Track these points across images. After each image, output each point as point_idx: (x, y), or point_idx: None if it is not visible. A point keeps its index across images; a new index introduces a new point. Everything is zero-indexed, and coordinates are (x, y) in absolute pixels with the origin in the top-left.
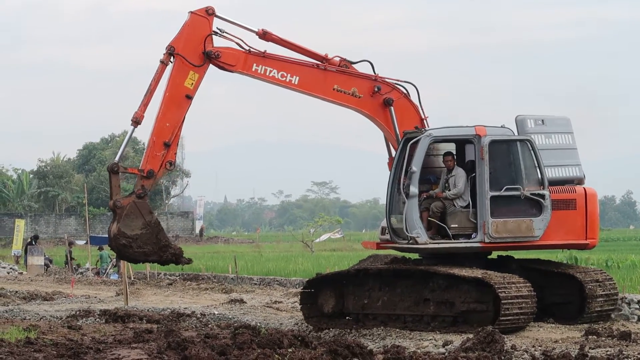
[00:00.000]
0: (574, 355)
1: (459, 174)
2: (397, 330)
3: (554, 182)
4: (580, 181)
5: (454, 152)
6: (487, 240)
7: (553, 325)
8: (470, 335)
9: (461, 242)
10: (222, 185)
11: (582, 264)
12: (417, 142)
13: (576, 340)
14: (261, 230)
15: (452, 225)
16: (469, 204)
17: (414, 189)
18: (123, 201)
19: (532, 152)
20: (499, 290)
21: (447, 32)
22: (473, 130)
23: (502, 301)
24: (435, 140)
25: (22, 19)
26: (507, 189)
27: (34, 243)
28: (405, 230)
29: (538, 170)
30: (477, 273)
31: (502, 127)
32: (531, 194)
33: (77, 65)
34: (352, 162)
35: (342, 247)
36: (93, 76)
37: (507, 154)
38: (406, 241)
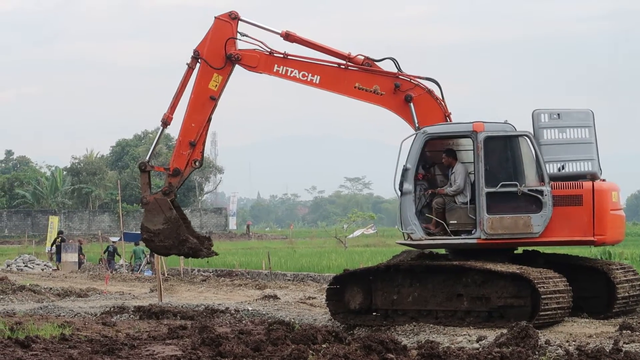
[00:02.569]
0: (608, 350)
1: (459, 170)
2: (431, 325)
3: (563, 178)
4: (593, 176)
5: (454, 150)
6: (483, 236)
7: (587, 320)
8: (504, 331)
9: (457, 239)
10: (255, 181)
11: (616, 259)
12: (413, 139)
13: (610, 335)
14: (294, 226)
15: (452, 222)
16: (470, 200)
17: (407, 186)
18: (149, 198)
19: (531, 147)
20: (538, 285)
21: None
22: (470, 126)
23: (542, 296)
24: (430, 138)
25: (55, 15)
26: (503, 185)
27: (64, 240)
28: (400, 227)
29: (538, 165)
30: (514, 268)
31: (504, 122)
32: (529, 190)
33: (110, 61)
34: (385, 157)
35: (375, 242)
36: (126, 72)
37: (504, 150)
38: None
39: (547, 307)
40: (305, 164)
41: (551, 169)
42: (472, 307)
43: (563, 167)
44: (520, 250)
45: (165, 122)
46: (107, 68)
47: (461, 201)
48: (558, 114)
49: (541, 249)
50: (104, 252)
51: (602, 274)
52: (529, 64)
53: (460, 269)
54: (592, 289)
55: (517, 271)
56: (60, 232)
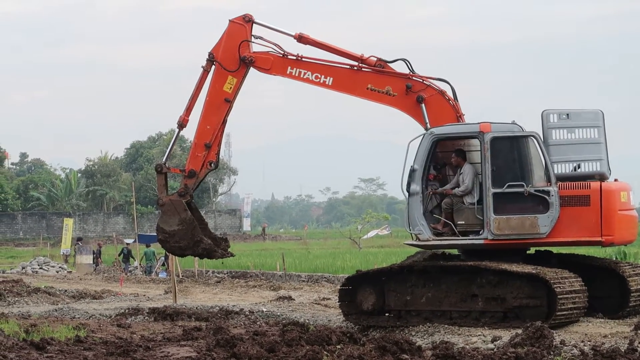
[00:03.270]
0: (623, 350)
1: (466, 170)
2: (445, 326)
3: (571, 178)
4: (602, 176)
5: (464, 150)
6: (490, 237)
7: (602, 320)
8: (519, 331)
9: (465, 239)
10: (269, 182)
11: (631, 259)
12: (420, 140)
13: (625, 335)
14: (308, 227)
15: (460, 222)
16: (478, 200)
17: (415, 187)
18: (164, 199)
19: (538, 147)
20: (555, 286)
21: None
22: (477, 127)
23: (558, 296)
24: (438, 139)
25: (69, 17)
26: (509, 186)
27: (80, 244)
28: (408, 228)
29: (545, 166)
30: (530, 268)
31: (512, 123)
32: (536, 190)
33: (125, 63)
34: (399, 158)
35: (389, 243)
36: (141, 74)
37: (511, 151)
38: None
39: (563, 307)
40: (319, 165)
41: (564, 169)
42: (487, 307)
43: (579, 167)
44: (532, 250)
45: (181, 124)
46: (120, 70)
47: (469, 202)
48: (567, 114)
49: (552, 249)
50: (119, 255)
51: (614, 273)
52: (545, 65)
53: (474, 270)
54: (606, 288)
55: (533, 271)
56: (79, 239)
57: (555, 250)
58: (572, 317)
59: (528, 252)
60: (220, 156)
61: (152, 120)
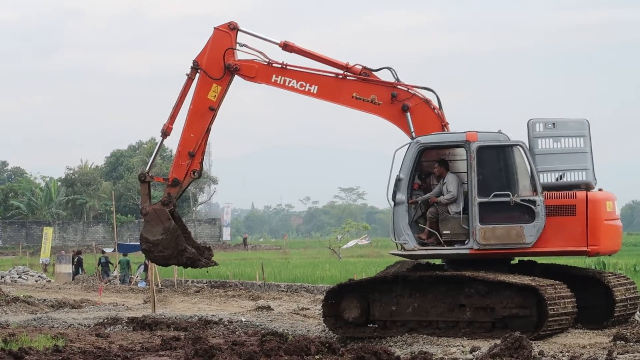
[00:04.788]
0: None
1: (450, 179)
2: (425, 336)
3: (557, 188)
4: (588, 186)
5: (447, 160)
6: (475, 247)
7: (581, 330)
8: (498, 341)
9: (451, 249)
10: (249, 191)
11: (610, 269)
12: (406, 149)
13: (604, 345)
14: (288, 236)
15: (445, 232)
16: (463, 210)
17: (400, 196)
18: (148, 208)
19: (524, 156)
20: (546, 295)
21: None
22: (464, 136)
23: (548, 302)
24: (424, 148)
25: (53, 26)
26: (495, 195)
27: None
28: (393, 237)
29: (531, 175)
30: (527, 279)
31: (498, 132)
32: (522, 200)
33: (107, 71)
34: (379, 167)
35: (369, 253)
36: (121, 82)
37: (497, 160)
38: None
39: (555, 313)
40: (299, 174)
41: (547, 178)
42: (475, 317)
43: (563, 176)
44: (515, 260)
45: (165, 132)
46: (104, 78)
47: (454, 211)
48: (553, 124)
49: (536, 259)
50: (98, 265)
51: (598, 283)
52: (531, 74)
53: (463, 279)
54: (589, 298)
55: (527, 282)
56: (77, 252)
57: (538, 260)
58: (563, 324)
59: (512, 261)
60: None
61: (132, 129)
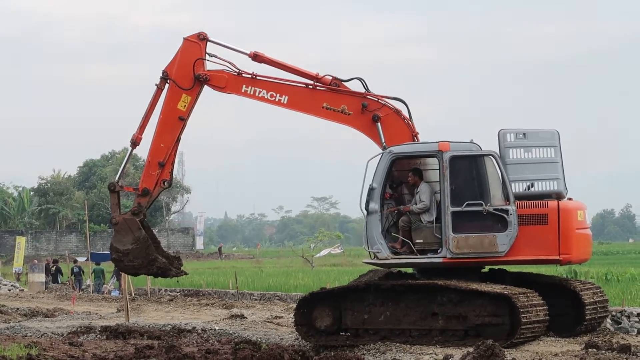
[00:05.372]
0: None
1: (423, 189)
2: (398, 344)
3: (529, 197)
4: (559, 195)
5: (421, 169)
6: (449, 255)
7: (553, 338)
8: (471, 349)
9: (423, 258)
10: (222, 201)
11: (582, 277)
12: (379, 159)
13: (576, 353)
14: (261, 245)
15: (417, 241)
16: (436, 219)
17: (373, 205)
18: (118, 218)
19: (497, 166)
20: (519, 303)
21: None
22: (436, 146)
23: (521, 310)
24: (396, 157)
25: (25, 36)
26: (468, 205)
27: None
28: (366, 246)
29: (504, 185)
30: (499, 288)
31: (470, 142)
32: (494, 209)
33: (78, 81)
34: (352, 177)
35: (342, 262)
36: (94, 92)
37: (470, 170)
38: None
39: (527, 320)
40: (272, 183)
41: (518, 188)
42: (447, 325)
43: (532, 186)
44: (486, 268)
45: (134, 142)
46: (73, 89)
47: (427, 220)
48: (524, 134)
49: (507, 267)
50: (71, 274)
51: (565, 289)
52: (506, 86)
53: (435, 288)
54: (558, 305)
55: (499, 290)
56: (55, 261)
57: (508, 268)
58: (535, 334)
59: (482, 270)
60: (174, 175)
61: (105, 138)
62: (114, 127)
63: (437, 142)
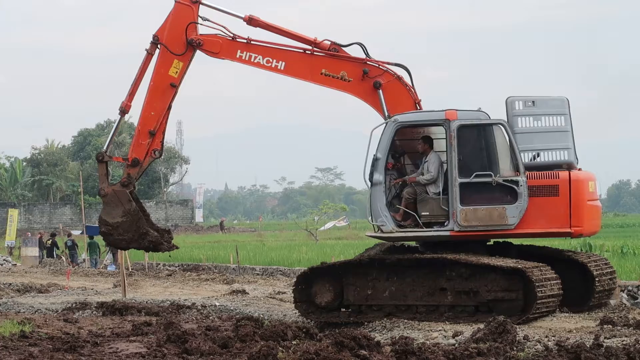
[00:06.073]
0: (588, 346)
1: (432, 158)
2: (405, 321)
3: (538, 167)
4: (570, 166)
5: (432, 137)
6: (456, 228)
7: (567, 314)
8: (481, 326)
9: (430, 231)
10: (222, 172)
11: (596, 251)
12: (383, 128)
13: (591, 329)
14: (263, 218)
15: (423, 213)
16: (443, 190)
17: (378, 177)
18: (107, 190)
19: (506, 136)
20: (532, 276)
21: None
22: (443, 114)
23: (536, 284)
24: (401, 126)
25: (19, 1)
26: (476, 176)
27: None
28: (370, 219)
29: (513, 155)
30: (511, 262)
31: (478, 110)
32: (504, 180)
33: (72, 49)
34: (357, 146)
35: (347, 235)
36: (88, 60)
37: (478, 139)
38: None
39: (542, 295)
40: (275, 154)
41: (525, 158)
42: (457, 301)
43: (538, 156)
44: (491, 241)
45: (124, 110)
46: (67, 56)
47: (433, 191)
48: (533, 102)
49: (516, 240)
50: (65, 248)
51: (574, 263)
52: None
53: (442, 262)
54: (567, 279)
55: (512, 264)
56: (52, 234)
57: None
58: (549, 309)
59: (488, 243)
60: (171, 144)
61: (101, 107)
62: (109, 95)
63: (444, 111)
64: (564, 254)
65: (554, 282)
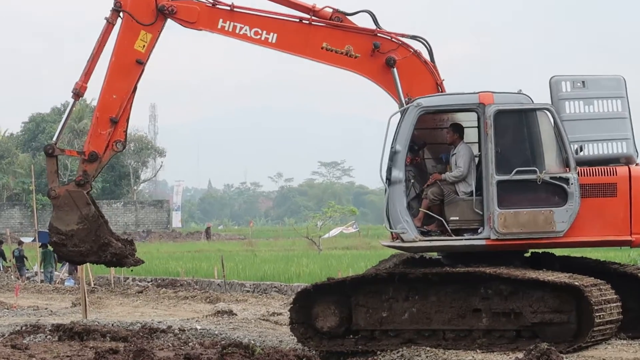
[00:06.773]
0: None
1: (462, 151)
2: (427, 349)
3: (591, 162)
4: (629, 160)
5: (462, 125)
6: (493, 236)
7: (624, 341)
8: (520, 355)
9: (462, 239)
10: (205, 166)
11: None
12: (404, 114)
13: None
14: (255, 223)
15: (452, 218)
16: (475, 190)
17: (397, 173)
18: (58, 190)
19: (553, 124)
20: (591, 297)
21: None
22: (476, 97)
23: (595, 307)
24: (425, 112)
25: None
26: (518, 172)
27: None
28: (388, 226)
29: (562, 147)
30: (560, 276)
31: (519, 92)
32: (551, 177)
33: (26, 21)
34: (368, 137)
35: (356, 244)
36: (43, 35)
37: (520, 128)
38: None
39: (601, 320)
40: (269, 144)
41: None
42: (493, 325)
43: (581, 149)
44: (528, 252)
45: (78, 92)
46: (20, 29)
47: (464, 191)
48: (583, 82)
49: (567, 251)
50: (13, 257)
51: (629, 279)
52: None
53: (480, 277)
54: (627, 300)
55: (566, 280)
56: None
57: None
58: (605, 336)
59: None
60: (143, 133)
61: (56, 89)
62: (68, 74)
63: (477, 93)
64: (610, 266)
65: (614, 304)
